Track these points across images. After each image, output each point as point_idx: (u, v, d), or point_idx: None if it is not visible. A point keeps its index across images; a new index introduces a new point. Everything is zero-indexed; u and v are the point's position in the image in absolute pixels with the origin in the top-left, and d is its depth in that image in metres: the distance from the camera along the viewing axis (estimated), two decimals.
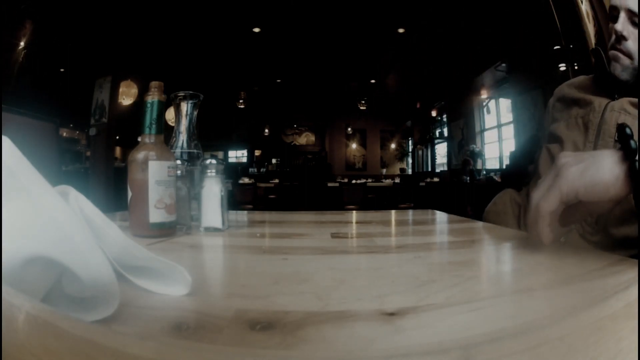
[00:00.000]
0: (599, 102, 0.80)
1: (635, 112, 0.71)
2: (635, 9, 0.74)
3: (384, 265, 0.39)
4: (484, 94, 5.74)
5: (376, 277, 0.34)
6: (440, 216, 0.89)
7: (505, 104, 5.56)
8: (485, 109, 5.97)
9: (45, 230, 0.20)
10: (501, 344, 0.19)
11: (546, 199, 0.40)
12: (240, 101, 7.65)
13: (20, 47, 4.19)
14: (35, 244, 0.20)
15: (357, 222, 0.79)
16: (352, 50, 5.65)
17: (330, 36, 5.13)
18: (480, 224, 0.71)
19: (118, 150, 7.01)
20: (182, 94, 0.78)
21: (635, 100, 0.75)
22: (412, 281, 0.32)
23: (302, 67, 6.33)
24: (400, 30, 5.14)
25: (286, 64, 6.24)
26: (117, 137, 5.65)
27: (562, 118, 0.89)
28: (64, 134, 7.16)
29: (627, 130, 0.39)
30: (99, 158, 4.52)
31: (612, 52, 0.77)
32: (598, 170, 0.38)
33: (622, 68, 0.76)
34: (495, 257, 0.46)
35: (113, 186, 4.32)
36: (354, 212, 1.01)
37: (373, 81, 7.24)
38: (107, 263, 0.22)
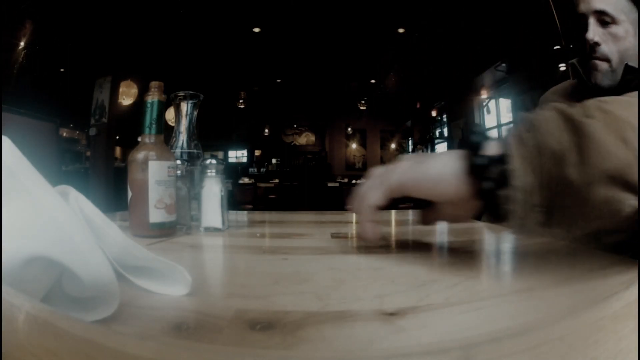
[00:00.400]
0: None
1: None
2: (603, 7, 0.73)
3: (384, 265, 0.39)
4: (484, 94, 5.73)
5: (376, 277, 0.34)
6: None
7: (505, 104, 5.56)
8: (485, 109, 5.97)
9: (45, 230, 0.20)
10: (501, 344, 0.19)
11: (370, 190, 0.39)
12: (240, 101, 7.65)
13: (20, 47, 4.19)
14: (35, 244, 0.20)
15: (357, 222, 0.79)
16: (352, 50, 5.64)
17: (330, 36, 5.12)
18: (480, 224, 0.71)
19: (118, 150, 7.01)
20: (182, 94, 0.78)
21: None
22: (412, 281, 0.32)
23: (302, 67, 6.33)
24: (400, 30, 5.14)
25: (286, 64, 6.23)
26: (117, 137, 5.64)
27: None
28: (64, 134, 7.15)
29: (472, 134, 0.36)
30: (99, 158, 4.52)
31: (591, 62, 0.76)
32: (430, 167, 0.36)
33: (602, 75, 0.75)
34: (495, 257, 0.46)
35: (113, 186, 4.32)
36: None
37: (373, 81, 7.24)
38: (107, 263, 0.22)
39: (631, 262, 0.36)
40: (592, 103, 0.33)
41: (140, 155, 0.53)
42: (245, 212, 1.07)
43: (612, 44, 0.74)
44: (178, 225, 0.57)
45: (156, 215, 0.52)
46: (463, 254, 0.45)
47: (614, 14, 0.74)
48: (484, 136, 0.35)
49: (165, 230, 0.53)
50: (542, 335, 0.20)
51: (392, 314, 0.23)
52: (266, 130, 8.93)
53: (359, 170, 9.01)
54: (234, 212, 0.97)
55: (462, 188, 0.34)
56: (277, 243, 0.55)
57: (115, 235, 0.26)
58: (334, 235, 0.58)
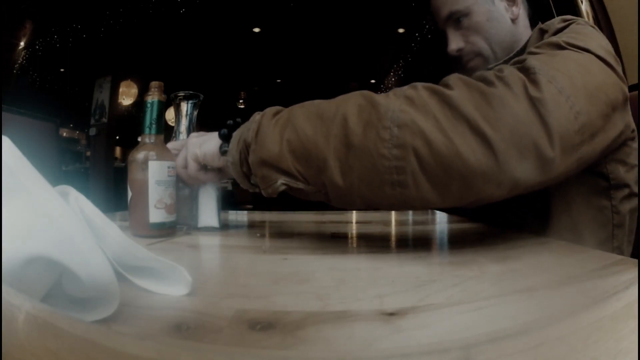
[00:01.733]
0: None
1: None
2: (450, 9, 0.72)
3: (384, 265, 0.39)
4: None
5: (376, 277, 0.34)
6: (440, 216, 0.89)
7: None
8: None
9: (45, 230, 0.20)
10: (501, 344, 0.19)
11: (179, 159, 0.57)
12: (240, 101, 7.65)
13: (20, 47, 4.19)
14: (35, 244, 0.20)
15: (357, 222, 0.79)
16: (352, 50, 5.64)
17: (330, 36, 5.12)
18: (479, 224, 0.71)
19: (118, 150, 7.00)
20: (182, 94, 0.78)
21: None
22: (412, 281, 0.32)
23: (302, 67, 6.32)
24: (400, 30, 5.14)
25: (286, 64, 6.23)
26: (117, 137, 5.64)
27: None
28: (64, 134, 7.15)
29: (229, 122, 0.54)
30: (99, 158, 4.52)
31: (468, 71, 0.73)
32: (208, 144, 0.54)
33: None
34: (495, 257, 0.46)
35: (113, 186, 4.31)
36: (354, 212, 1.01)
37: (373, 81, 7.23)
38: (107, 263, 0.22)
39: (631, 262, 0.36)
40: (275, 111, 0.50)
41: (140, 155, 0.53)
42: (245, 212, 1.07)
43: (473, 36, 0.72)
44: (178, 225, 0.57)
45: (156, 215, 0.52)
46: (463, 254, 0.45)
47: (460, 7, 0.71)
48: (233, 128, 0.52)
49: (165, 230, 0.53)
50: (542, 335, 0.20)
51: (392, 314, 0.23)
52: None
53: None
54: (234, 212, 0.97)
55: (219, 160, 0.54)
56: (277, 243, 0.55)
57: (115, 235, 0.26)
58: (334, 235, 0.58)
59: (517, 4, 0.72)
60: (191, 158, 0.55)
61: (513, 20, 0.71)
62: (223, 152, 0.52)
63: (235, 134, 0.50)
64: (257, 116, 0.49)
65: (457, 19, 0.72)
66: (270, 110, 0.49)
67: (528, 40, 0.69)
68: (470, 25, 0.71)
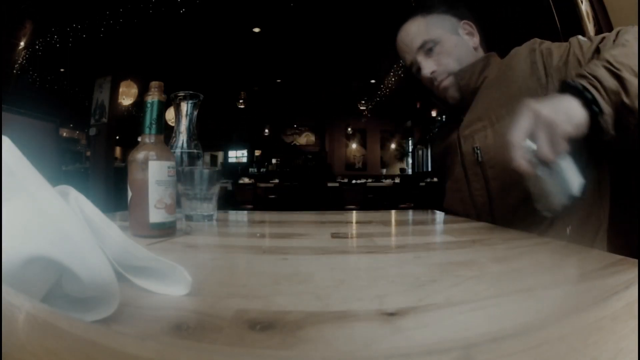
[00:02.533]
0: (453, 138, 0.86)
1: (482, 124, 0.77)
2: (421, 39, 0.83)
3: (384, 265, 0.39)
4: None
5: (376, 277, 0.34)
6: (440, 216, 0.89)
7: None
8: None
9: (45, 230, 0.20)
10: (501, 344, 0.19)
11: (544, 149, 0.51)
12: (240, 101, 7.65)
13: (20, 47, 4.19)
14: (35, 244, 0.20)
15: (357, 222, 0.79)
16: (352, 50, 5.64)
17: (330, 36, 5.12)
18: (480, 224, 0.71)
19: (118, 150, 7.01)
20: (182, 94, 0.78)
21: (476, 115, 0.80)
22: (412, 281, 0.32)
23: (302, 67, 6.32)
24: None
25: (286, 64, 6.23)
26: (117, 137, 5.64)
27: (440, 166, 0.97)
28: (64, 134, 7.16)
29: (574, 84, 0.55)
30: (99, 158, 4.52)
31: (441, 90, 0.84)
32: (566, 116, 0.52)
33: (454, 89, 0.83)
34: (495, 257, 0.46)
35: (113, 186, 4.32)
36: (354, 212, 1.01)
37: (373, 81, 7.23)
38: (107, 263, 0.22)
39: (631, 262, 0.36)
40: (610, 58, 0.55)
41: (140, 155, 0.53)
42: (245, 212, 1.07)
43: (445, 59, 0.82)
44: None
45: (156, 215, 0.52)
46: (463, 254, 0.45)
47: (432, 37, 0.82)
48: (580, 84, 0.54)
49: (165, 230, 0.53)
50: (542, 335, 0.20)
51: (392, 314, 0.23)
52: (266, 130, 8.93)
53: (359, 170, 9.01)
54: (234, 212, 0.97)
55: (582, 115, 0.53)
56: (277, 243, 0.54)
57: (115, 235, 0.26)
58: (334, 235, 0.58)
59: (475, 35, 0.86)
60: (563, 137, 0.50)
61: (475, 49, 0.85)
62: (591, 108, 0.52)
63: (599, 91, 0.53)
64: (598, 71, 0.54)
65: (429, 48, 0.82)
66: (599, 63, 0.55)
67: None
68: (442, 51, 0.82)
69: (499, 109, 0.75)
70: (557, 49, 0.70)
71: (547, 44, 0.73)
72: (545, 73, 0.70)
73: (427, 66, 0.83)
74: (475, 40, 0.85)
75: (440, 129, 1.07)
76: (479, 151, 0.78)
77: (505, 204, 0.75)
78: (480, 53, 0.85)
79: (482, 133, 0.77)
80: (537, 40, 0.76)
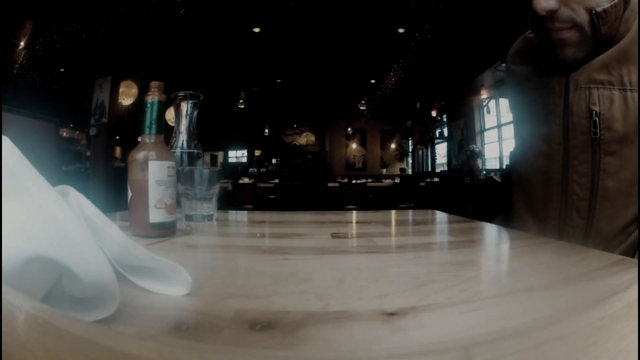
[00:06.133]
0: (557, 80, 0.60)
1: (609, 79, 0.56)
2: None
3: (384, 265, 0.39)
4: (484, 94, 5.73)
5: (376, 277, 0.34)
6: (440, 216, 0.89)
7: (505, 104, 5.56)
8: (485, 109, 5.96)
9: (45, 230, 0.20)
10: (501, 344, 0.19)
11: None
12: (240, 101, 7.65)
13: (20, 47, 4.19)
14: (35, 244, 0.20)
15: (357, 222, 0.79)
16: (352, 50, 5.64)
17: (330, 36, 5.12)
18: (480, 223, 0.71)
19: (118, 150, 7.01)
20: (182, 94, 0.78)
21: (603, 62, 0.56)
22: (412, 281, 0.32)
23: (302, 67, 6.33)
24: (400, 30, 5.14)
25: (286, 64, 6.23)
26: (117, 137, 5.64)
27: (519, 105, 0.73)
28: (64, 134, 7.17)
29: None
30: (99, 158, 4.52)
31: (554, 37, 0.58)
32: None
33: (574, 48, 0.58)
34: (495, 257, 0.46)
35: (113, 186, 4.32)
36: (354, 212, 1.01)
37: (373, 81, 7.23)
38: (107, 263, 0.22)
39: (631, 262, 0.36)
40: None
41: (140, 155, 0.53)
42: (245, 212, 1.07)
43: (574, 3, 0.56)
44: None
45: (156, 215, 0.52)
46: (463, 254, 0.45)
47: None
48: None
49: (165, 230, 0.53)
50: (542, 335, 0.20)
51: (392, 314, 0.23)
52: (266, 130, 8.94)
53: (359, 170, 9.01)
54: (234, 212, 0.97)
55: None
56: (277, 243, 0.54)
57: (115, 235, 0.26)
58: (334, 235, 0.58)
59: None
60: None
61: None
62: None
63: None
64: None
65: None
66: None
67: None
68: None
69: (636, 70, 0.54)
70: None
71: None
72: None
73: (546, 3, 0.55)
74: None
75: (525, 50, 0.73)
76: (597, 117, 0.55)
77: (615, 213, 0.55)
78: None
79: (607, 92, 0.56)
80: None
